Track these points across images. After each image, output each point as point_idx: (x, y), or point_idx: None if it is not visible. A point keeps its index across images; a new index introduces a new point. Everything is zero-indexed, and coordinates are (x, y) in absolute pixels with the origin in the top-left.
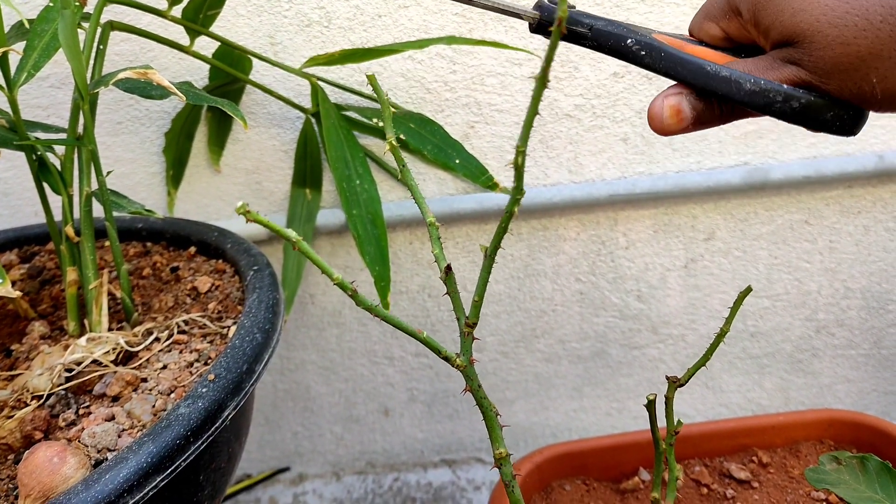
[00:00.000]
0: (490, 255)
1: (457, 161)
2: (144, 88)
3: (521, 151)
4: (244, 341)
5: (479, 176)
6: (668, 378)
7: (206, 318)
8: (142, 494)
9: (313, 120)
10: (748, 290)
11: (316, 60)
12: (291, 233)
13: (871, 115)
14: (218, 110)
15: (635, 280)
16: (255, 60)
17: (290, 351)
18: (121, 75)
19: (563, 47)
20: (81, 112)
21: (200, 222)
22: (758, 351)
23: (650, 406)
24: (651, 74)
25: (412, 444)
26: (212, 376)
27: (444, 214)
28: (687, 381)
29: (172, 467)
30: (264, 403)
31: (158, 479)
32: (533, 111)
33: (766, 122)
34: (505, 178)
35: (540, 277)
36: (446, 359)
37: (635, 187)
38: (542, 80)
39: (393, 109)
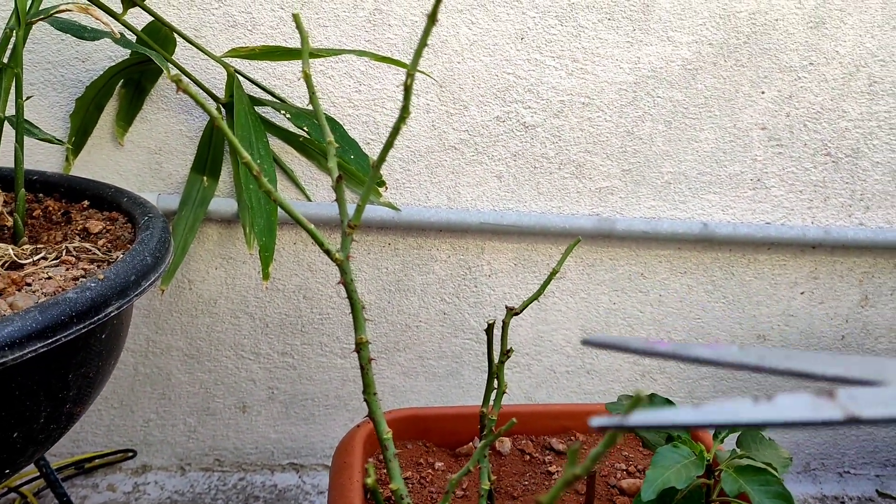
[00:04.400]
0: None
1: (351, 157)
2: (78, 30)
3: (410, 75)
4: (135, 259)
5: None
6: (506, 307)
7: (95, 248)
8: (21, 353)
9: (223, 110)
10: (577, 241)
11: (237, 52)
12: (212, 108)
13: (701, 186)
14: (132, 87)
15: (493, 307)
16: (177, 49)
17: (159, 334)
18: (62, 7)
19: (455, 85)
20: (14, 39)
21: (97, 180)
22: (591, 388)
23: (489, 330)
24: (528, 123)
25: (264, 444)
26: (101, 276)
27: (330, 219)
28: (521, 311)
29: (53, 339)
30: (122, 385)
31: (38, 345)
32: (423, 41)
33: (618, 181)
34: (390, 196)
35: (409, 293)
36: (327, 252)
37: (503, 219)
38: (432, 18)
39: (298, 107)
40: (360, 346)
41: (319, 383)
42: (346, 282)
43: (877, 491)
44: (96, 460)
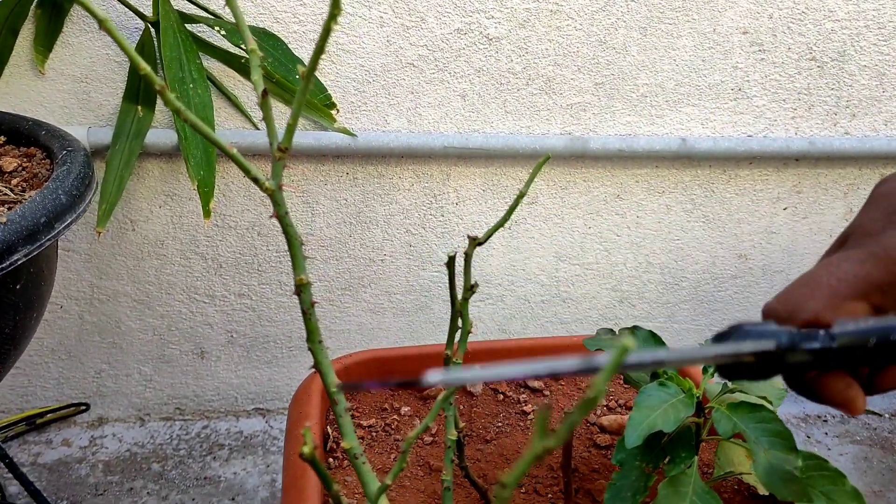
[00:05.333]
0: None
1: (296, 76)
2: None
3: None
4: (46, 199)
5: (317, 94)
6: (468, 237)
7: (8, 189)
8: None
9: (153, 31)
10: (546, 158)
11: None
12: (97, 8)
13: (679, 98)
14: (49, 6)
15: (462, 237)
16: None
17: (103, 280)
18: None
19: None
20: None
21: (13, 113)
22: (568, 317)
23: (450, 263)
24: (492, 35)
25: (226, 390)
26: (3, 219)
27: None
28: (485, 241)
29: None
30: (68, 336)
31: None
32: None
33: (590, 96)
34: (344, 121)
35: (371, 226)
36: (255, 180)
37: (468, 141)
38: None
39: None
40: (301, 289)
41: (281, 324)
42: (280, 215)
43: None
44: (48, 415)
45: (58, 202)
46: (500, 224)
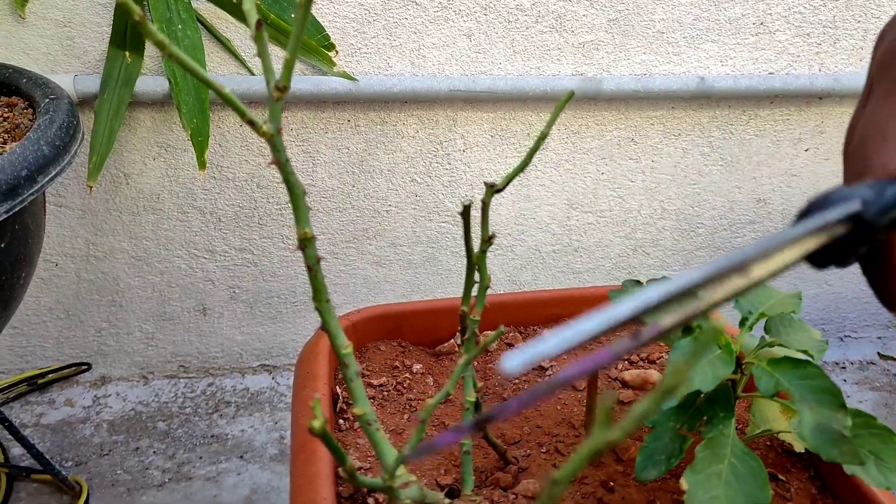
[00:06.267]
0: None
1: (292, 15)
2: None
3: None
4: (27, 150)
5: (315, 34)
6: (485, 183)
7: None
8: None
9: None
10: (570, 94)
11: None
12: None
13: (697, 33)
14: None
15: (470, 185)
16: None
17: (99, 236)
18: None
19: None
20: None
21: None
22: (580, 266)
23: (465, 212)
24: None
25: (230, 347)
26: None
27: None
28: (504, 188)
29: None
30: (65, 294)
31: None
32: None
33: (603, 33)
34: (344, 64)
35: (375, 175)
36: (251, 123)
37: (475, 84)
38: None
39: None
40: (305, 243)
41: (284, 279)
42: (281, 161)
43: (878, 353)
44: (49, 375)
45: (40, 154)
46: (521, 168)
